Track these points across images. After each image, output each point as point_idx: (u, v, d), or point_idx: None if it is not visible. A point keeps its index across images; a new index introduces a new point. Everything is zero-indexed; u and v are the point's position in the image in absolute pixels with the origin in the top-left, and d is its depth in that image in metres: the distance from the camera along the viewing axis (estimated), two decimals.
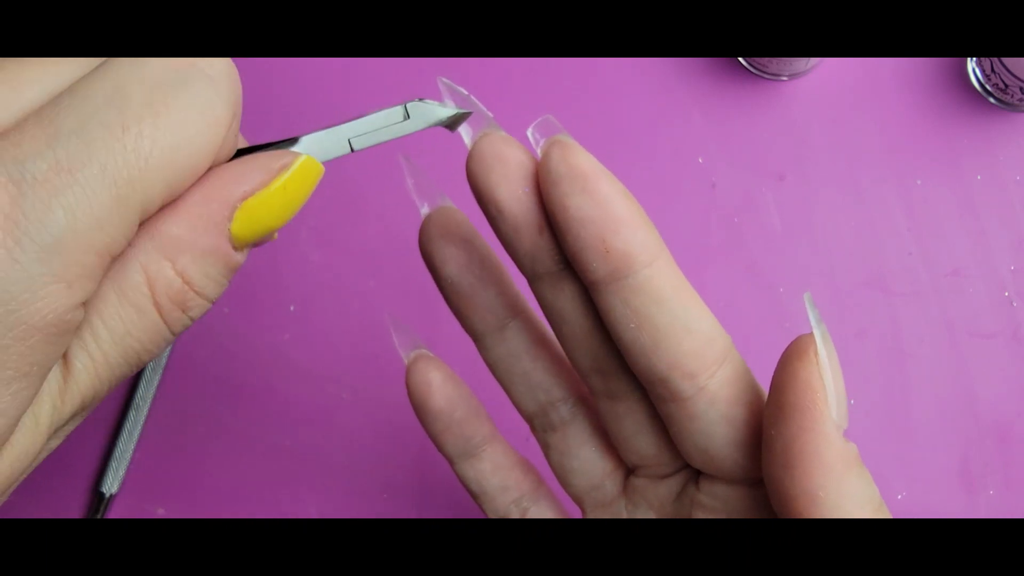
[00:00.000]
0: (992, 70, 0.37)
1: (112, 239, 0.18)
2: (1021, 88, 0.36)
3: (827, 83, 0.40)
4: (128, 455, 0.39)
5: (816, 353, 0.19)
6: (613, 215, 0.19)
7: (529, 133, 0.21)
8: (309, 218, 0.40)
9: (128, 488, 0.39)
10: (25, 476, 0.20)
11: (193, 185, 0.20)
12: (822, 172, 0.39)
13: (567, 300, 0.21)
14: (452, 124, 0.22)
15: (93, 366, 0.19)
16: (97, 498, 0.39)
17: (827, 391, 0.19)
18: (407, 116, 0.22)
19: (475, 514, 0.38)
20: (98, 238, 0.18)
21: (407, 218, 0.40)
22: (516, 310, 0.24)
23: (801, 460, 0.19)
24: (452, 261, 0.23)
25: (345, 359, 0.39)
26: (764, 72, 0.40)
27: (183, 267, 0.19)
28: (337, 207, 0.40)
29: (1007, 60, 0.36)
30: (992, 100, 0.39)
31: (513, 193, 0.20)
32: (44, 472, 0.39)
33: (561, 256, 0.21)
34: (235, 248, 0.20)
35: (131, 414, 0.39)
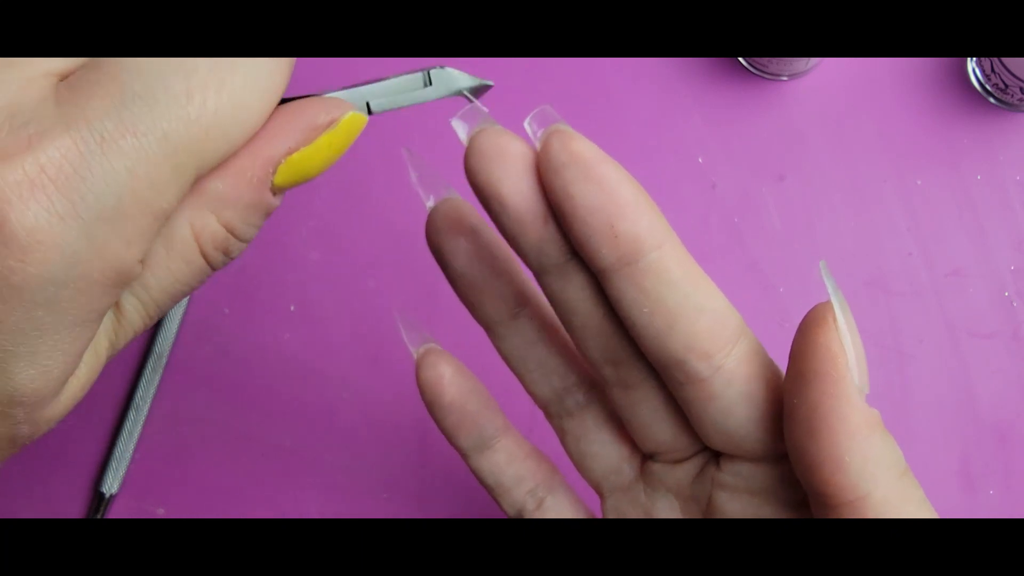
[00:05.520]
0: (992, 70, 0.37)
1: (169, 204, 0.19)
2: (1021, 88, 0.36)
3: (827, 83, 0.40)
4: (128, 455, 0.39)
5: (835, 319, 0.19)
6: (619, 200, 0.19)
7: (526, 124, 0.20)
8: (309, 218, 0.40)
9: (128, 488, 0.39)
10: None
11: None
12: (822, 172, 0.39)
13: (576, 291, 0.21)
14: (474, 93, 0.22)
15: (143, 308, 0.21)
16: (97, 498, 0.39)
17: (848, 356, 0.19)
18: (428, 82, 0.22)
19: (475, 514, 0.38)
20: (156, 202, 0.18)
21: (408, 218, 0.40)
22: (528, 298, 0.24)
23: (825, 425, 0.18)
24: (461, 253, 0.23)
25: (345, 359, 0.39)
26: (764, 72, 0.40)
27: (228, 219, 0.21)
28: (337, 207, 0.40)
29: (1007, 60, 0.36)
30: (992, 100, 0.39)
31: (516, 186, 0.20)
32: (45, 472, 0.39)
33: (568, 246, 0.21)
34: (274, 195, 0.21)
35: (131, 414, 0.39)
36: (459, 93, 0.22)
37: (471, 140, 0.20)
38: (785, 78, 0.40)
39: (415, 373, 0.25)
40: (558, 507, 0.26)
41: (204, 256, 0.21)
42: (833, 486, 0.19)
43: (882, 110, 0.39)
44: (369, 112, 0.22)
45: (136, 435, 0.39)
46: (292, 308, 0.40)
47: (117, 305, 0.20)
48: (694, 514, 0.23)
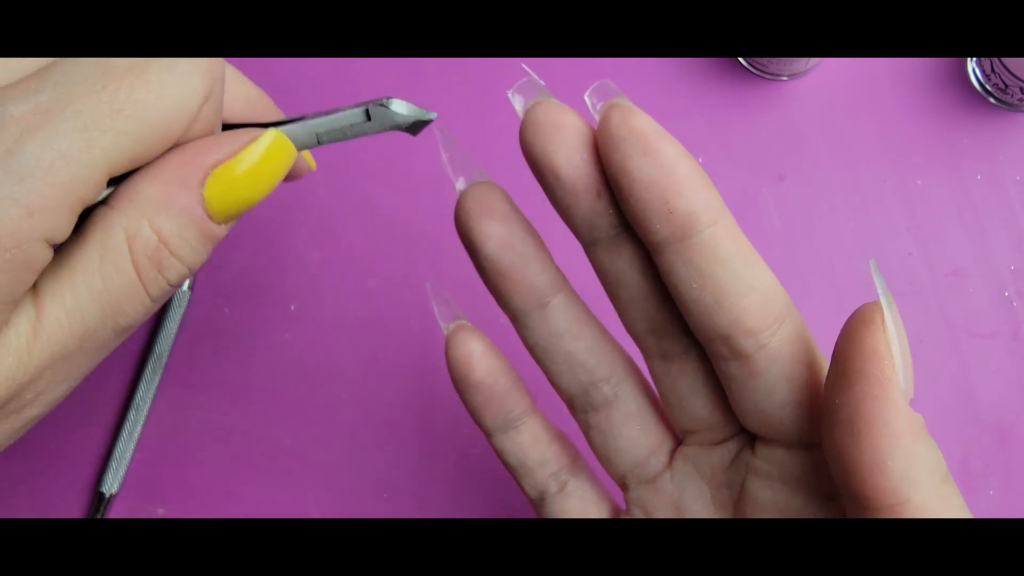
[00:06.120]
0: (992, 70, 0.37)
1: (77, 177, 0.19)
2: (1021, 88, 0.36)
3: (827, 83, 0.40)
4: (128, 455, 0.39)
5: (883, 320, 0.19)
6: (676, 176, 0.19)
7: (586, 97, 0.20)
8: (309, 218, 0.40)
9: (128, 488, 0.39)
10: None
11: (170, 153, 0.21)
12: (822, 172, 0.39)
13: (624, 263, 0.21)
14: (412, 129, 0.23)
15: (67, 319, 0.20)
16: (97, 498, 0.39)
17: (894, 359, 0.18)
18: (369, 118, 0.23)
19: (475, 514, 0.38)
20: (64, 174, 0.19)
21: (408, 217, 0.40)
22: (557, 287, 0.23)
23: (868, 428, 0.18)
24: (492, 238, 0.22)
25: (345, 359, 0.39)
26: (764, 72, 0.40)
27: (159, 225, 0.21)
28: (337, 207, 0.40)
29: (1007, 60, 0.36)
30: (992, 100, 0.39)
31: (571, 159, 0.20)
32: (44, 472, 0.39)
33: (619, 220, 0.21)
34: (211, 218, 0.21)
35: (131, 414, 0.39)
36: (397, 127, 0.23)
37: (527, 112, 0.21)
38: (785, 78, 0.40)
39: (444, 349, 0.25)
40: (580, 491, 0.26)
41: (135, 266, 0.21)
42: (873, 489, 0.18)
43: (882, 110, 0.39)
44: (319, 143, 0.24)
45: (136, 435, 0.39)
46: (292, 308, 0.40)
47: (38, 313, 0.20)
48: (724, 501, 0.23)
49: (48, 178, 0.18)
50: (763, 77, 0.40)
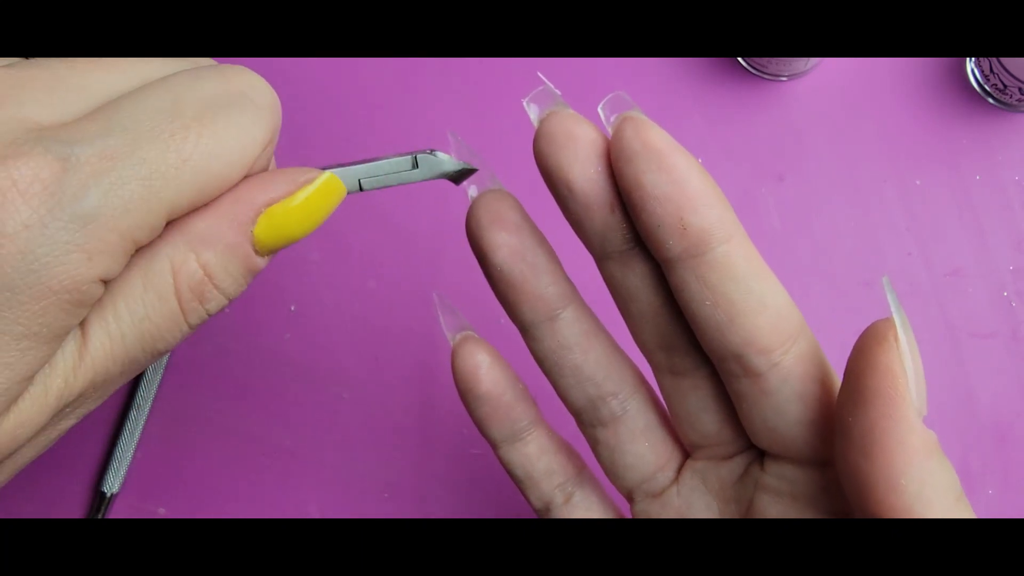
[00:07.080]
0: (991, 70, 0.37)
1: (137, 224, 0.19)
2: (1020, 89, 0.36)
3: (827, 83, 0.40)
4: (129, 455, 0.39)
5: (897, 338, 0.18)
6: (690, 192, 0.19)
7: (600, 110, 0.20)
8: None
9: (129, 488, 0.39)
10: (25, 456, 0.21)
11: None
12: (822, 172, 0.39)
13: (637, 278, 0.21)
14: (457, 178, 0.23)
15: (110, 344, 0.20)
16: (98, 497, 0.39)
17: (908, 377, 0.18)
18: (415, 165, 0.23)
19: (475, 514, 0.38)
20: (124, 220, 0.19)
21: (408, 218, 0.40)
22: (568, 299, 0.23)
23: (882, 447, 0.18)
24: (503, 248, 0.22)
25: (345, 359, 0.39)
26: (764, 72, 0.40)
27: (206, 260, 0.21)
28: (338, 207, 0.41)
29: (1006, 60, 0.36)
30: (991, 100, 0.39)
31: (584, 172, 0.20)
32: (45, 471, 0.40)
33: (632, 234, 0.21)
34: (257, 252, 0.21)
35: (132, 414, 0.39)
36: (443, 176, 0.23)
37: (541, 123, 0.20)
38: (785, 78, 0.40)
39: (451, 360, 0.25)
40: (587, 502, 0.26)
41: (178, 296, 0.21)
42: (887, 507, 0.18)
43: (882, 110, 0.39)
44: (361, 189, 0.24)
45: (137, 435, 0.39)
46: (292, 308, 0.40)
47: (84, 339, 0.20)
48: (733, 516, 0.23)
49: (110, 224, 0.18)
50: (763, 77, 0.40)
